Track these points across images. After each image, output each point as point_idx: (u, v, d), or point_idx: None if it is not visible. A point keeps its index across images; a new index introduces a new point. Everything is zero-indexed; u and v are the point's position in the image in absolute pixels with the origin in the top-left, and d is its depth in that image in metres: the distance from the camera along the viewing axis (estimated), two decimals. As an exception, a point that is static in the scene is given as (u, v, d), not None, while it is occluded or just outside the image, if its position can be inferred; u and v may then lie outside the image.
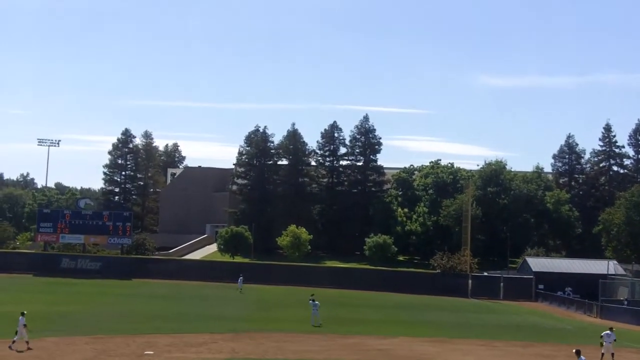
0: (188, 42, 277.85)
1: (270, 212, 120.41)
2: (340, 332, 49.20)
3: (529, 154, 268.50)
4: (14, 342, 37.11)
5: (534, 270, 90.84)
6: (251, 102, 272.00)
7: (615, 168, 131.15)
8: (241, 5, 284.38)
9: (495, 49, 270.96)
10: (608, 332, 41.21)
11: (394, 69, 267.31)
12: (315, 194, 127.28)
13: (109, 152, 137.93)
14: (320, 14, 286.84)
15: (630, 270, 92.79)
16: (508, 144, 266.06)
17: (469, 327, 58.12)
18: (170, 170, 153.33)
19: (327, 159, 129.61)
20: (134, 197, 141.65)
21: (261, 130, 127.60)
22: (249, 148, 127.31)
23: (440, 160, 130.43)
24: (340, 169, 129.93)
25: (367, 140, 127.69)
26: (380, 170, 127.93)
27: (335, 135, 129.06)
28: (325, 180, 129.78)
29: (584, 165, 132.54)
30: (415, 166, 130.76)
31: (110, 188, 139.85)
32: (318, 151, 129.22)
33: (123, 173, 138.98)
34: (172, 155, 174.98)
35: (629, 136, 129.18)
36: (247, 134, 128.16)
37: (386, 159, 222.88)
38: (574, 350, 30.41)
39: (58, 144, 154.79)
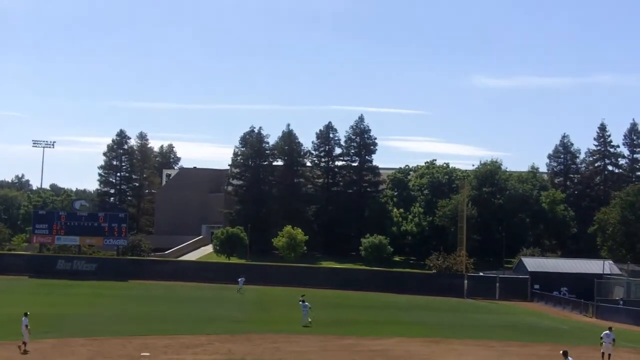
0: (183, 44, 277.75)
1: (266, 212, 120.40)
2: (337, 333, 49.23)
3: (524, 154, 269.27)
4: (24, 343, 37.17)
5: (529, 270, 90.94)
6: (246, 103, 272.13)
7: (610, 168, 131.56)
8: (236, 7, 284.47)
9: (490, 49, 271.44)
10: (607, 332, 41.16)
11: (389, 70, 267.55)
12: (310, 195, 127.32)
13: (104, 154, 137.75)
14: (315, 15, 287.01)
15: (626, 270, 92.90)
16: (503, 144, 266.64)
17: (464, 327, 58.16)
18: (165, 172, 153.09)
19: (323, 159, 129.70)
20: (129, 198, 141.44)
21: (256, 131, 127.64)
22: (244, 149, 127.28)
23: (435, 160, 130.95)
24: (336, 169, 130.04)
25: (363, 140, 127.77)
26: (375, 170, 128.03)
27: (331, 135, 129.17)
28: (321, 180, 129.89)
29: (579, 165, 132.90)
30: (411, 166, 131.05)
31: (105, 189, 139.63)
32: (313, 152, 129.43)
33: (118, 174, 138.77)
34: (167, 156, 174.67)
35: (624, 136, 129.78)
36: (242, 134, 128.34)
37: (381, 160, 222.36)
38: (561, 352, 30.35)
39: (53, 145, 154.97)
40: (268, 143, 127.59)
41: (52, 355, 36.47)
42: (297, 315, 53.59)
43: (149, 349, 38.80)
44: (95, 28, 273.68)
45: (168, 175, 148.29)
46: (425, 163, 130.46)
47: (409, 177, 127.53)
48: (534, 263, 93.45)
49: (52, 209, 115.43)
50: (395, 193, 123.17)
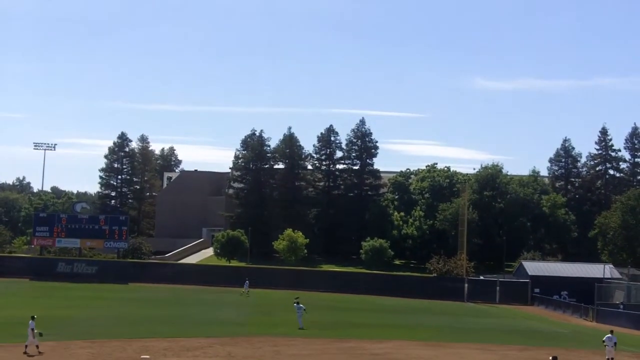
0: (184, 46, 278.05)
1: (267, 216, 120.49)
2: (337, 336, 49.23)
3: (525, 157, 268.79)
4: (37, 346, 37.26)
5: (530, 274, 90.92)
6: (247, 105, 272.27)
7: (611, 172, 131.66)
8: (237, 9, 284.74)
9: (492, 52, 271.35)
10: (609, 335, 41.02)
11: (390, 73, 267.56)
12: (311, 198, 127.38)
13: (105, 156, 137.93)
14: (317, 17, 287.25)
15: (626, 274, 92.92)
16: (504, 147, 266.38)
17: (465, 330, 58.13)
18: (166, 174, 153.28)
19: (324, 162, 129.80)
20: (130, 201, 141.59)
21: (257, 134, 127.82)
22: (245, 152, 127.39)
23: (436, 164, 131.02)
24: (337, 172, 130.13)
25: (364, 144, 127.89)
26: (376, 174, 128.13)
27: (332, 139, 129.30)
28: (322, 184, 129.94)
29: (580, 169, 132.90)
30: (412, 170, 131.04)
31: (106, 192, 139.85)
32: (314, 155, 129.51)
33: (119, 177, 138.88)
34: (168, 159, 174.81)
35: (625, 140, 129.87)
36: (243, 137, 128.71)
37: (382, 163, 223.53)
38: (550, 358, 30.31)
39: (54, 147, 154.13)
40: (269, 146, 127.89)
41: (52, 358, 36.48)
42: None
43: (149, 352, 38.79)
44: (96, 30, 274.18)
45: (169, 178, 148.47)
46: (426, 166, 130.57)
47: (410, 180, 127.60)
48: (535, 267, 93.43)
49: (53, 212, 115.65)
50: (396, 196, 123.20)
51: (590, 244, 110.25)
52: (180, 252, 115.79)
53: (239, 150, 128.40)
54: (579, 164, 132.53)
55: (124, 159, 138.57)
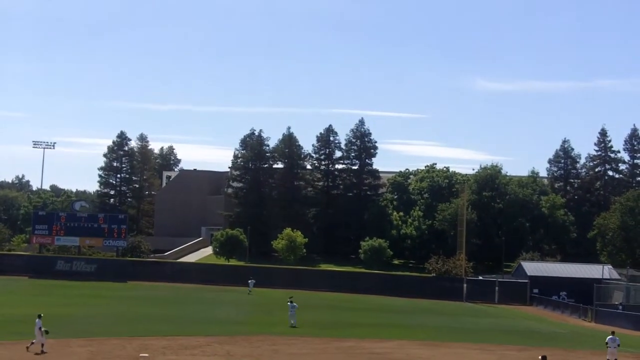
0: (184, 46, 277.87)
1: (266, 215, 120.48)
2: (336, 336, 49.26)
3: (525, 158, 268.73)
4: (42, 345, 37.17)
5: (529, 274, 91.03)
6: (247, 105, 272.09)
7: (610, 173, 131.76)
8: (237, 9, 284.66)
9: (492, 53, 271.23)
10: (612, 336, 40.84)
11: (390, 73, 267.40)
12: (310, 198, 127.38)
13: (105, 155, 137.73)
14: (316, 17, 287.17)
15: (625, 275, 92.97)
16: (504, 148, 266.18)
17: (463, 330, 58.18)
18: (165, 173, 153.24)
19: (323, 162, 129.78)
20: (129, 199, 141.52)
21: (257, 134, 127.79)
22: (244, 151, 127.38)
23: (435, 164, 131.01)
24: (336, 172, 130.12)
25: (363, 144, 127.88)
26: (375, 174, 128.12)
27: (331, 139, 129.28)
28: (321, 183, 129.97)
29: (579, 170, 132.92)
30: (411, 170, 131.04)
31: (105, 190, 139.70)
32: (313, 155, 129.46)
33: (118, 176, 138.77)
34: (168, 158, 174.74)
35: (625, 141, 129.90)
36: (242, 137, 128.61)
37: (381, 163, 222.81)
38: (539, 357, 30.29)
39: (53, 146, 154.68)
40: (268, 146, 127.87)
41: (52, 356, 36.45)
42: (297, 317, 53.59)
43: (147, 350, 38.78)
44: (96, 29, 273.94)
45: (168, 177, 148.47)
46: (425, 167, 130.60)
47: (409, 180, 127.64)
48: (534, 267, 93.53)
49: (52, 210, 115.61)
50: (395, 196, 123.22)
51: (589, 245, 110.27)
52: (179, 250, 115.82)
53: (238, 150, 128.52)
54: (578, 165, 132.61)
55: (123, 158, 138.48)
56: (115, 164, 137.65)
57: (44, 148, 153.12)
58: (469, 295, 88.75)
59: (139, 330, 47.08)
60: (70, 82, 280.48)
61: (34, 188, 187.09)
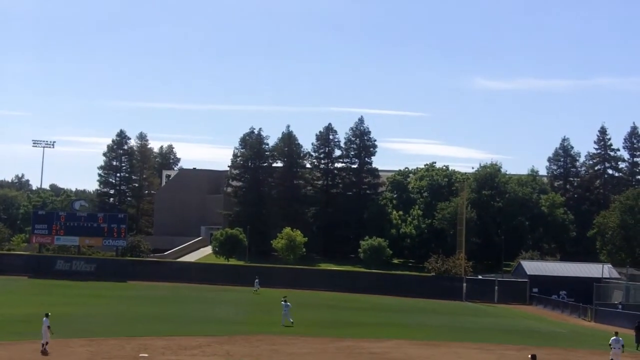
0: (183, 45, 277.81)
1: (265, 214, 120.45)
2: (335, 335, 49.25)
3: (524, 157, 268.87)
4: (47, 343, 37.18)
5: (528, 273, 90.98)
6: (246, 104, 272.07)
7: (610, 171, 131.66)
8: (236, 8, 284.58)
9: (491, 51, 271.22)
10: (615, 337, 40.49)
11: (389, 72, 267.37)
12: (310, 197, 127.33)
13: (104, 154, 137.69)
14: (315, 16, 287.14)
15: (625, 274, 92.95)
16: (503, 146, 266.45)
17: (463, 330, 58.16)
18: (165, 172, 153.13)
19: (322, 161, 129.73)
20: (128, 199, 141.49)
21: (256, 132, 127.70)
22: (243, 150, 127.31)
23: (435, 162, 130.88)
24: (335, 171, 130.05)
25: (362, 142, 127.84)
26: (375, 172, 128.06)
27: (330, 137, 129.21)
28: (320, 182, 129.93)
29: (579, 169, 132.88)
30: (410, 169, 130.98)
31: (105, 190, 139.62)
32: (313, 153, 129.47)
33: (118, 175, 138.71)
34: (167, 157, 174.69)
35: (624, 139, 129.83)
36: (241, 135, 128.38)
37: (381, 162, 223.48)
38: (529, 355, 30.24)
39: (53, 145, 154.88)
40: (268, 144, 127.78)
41: (51, 356, 36.44)
42: (297, 316, 53.63)
43: (147, 350, 38.81)
44: (95, 28, 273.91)
45: (168, 176, 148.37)
46: (424, 165, 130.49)
47: (409, 179, 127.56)
48: (533, 266, 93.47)
49: (51, 209, 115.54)
50: (395, 195, 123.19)
51: (588, 244, 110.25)
52: (179, 250, 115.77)
53: (237, 149, 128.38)
54: (577, 164, 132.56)
55: (123, 157, 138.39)
56: (114, 163, 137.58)
57: (44, 147, 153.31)
58: (468, 295, 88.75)
59: (139, 330, 47.09)
60: (70, 81, 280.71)
61: (34, 187, 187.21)
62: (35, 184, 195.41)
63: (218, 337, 45.16)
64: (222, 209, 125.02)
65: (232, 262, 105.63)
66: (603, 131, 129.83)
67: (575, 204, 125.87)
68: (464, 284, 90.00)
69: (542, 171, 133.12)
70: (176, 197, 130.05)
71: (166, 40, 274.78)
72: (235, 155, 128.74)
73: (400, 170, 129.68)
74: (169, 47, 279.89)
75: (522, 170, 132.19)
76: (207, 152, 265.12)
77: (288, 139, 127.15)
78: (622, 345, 40.35)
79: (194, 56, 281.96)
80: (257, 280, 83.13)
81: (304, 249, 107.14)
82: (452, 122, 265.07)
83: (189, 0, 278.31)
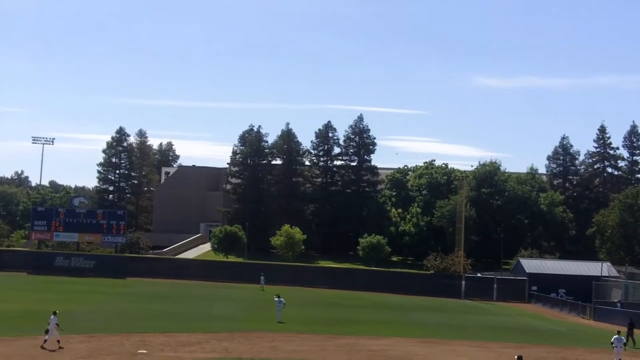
0: (183, 42, 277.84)
1: (264, 211, 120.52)
2: (334, 333, 49.24)
3: (524, 155, 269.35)
4: (45, 341, 37.22)
5: (527, 271, 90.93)
6: (245, 101, 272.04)
7: (609, 170, 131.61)
8: (236, 6, 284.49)
9: (490, 50, 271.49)
10: (617, 336, 40.57)
11: (389, 69, 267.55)
12: (309, 194, 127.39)
13: (103, 151, 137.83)
14: (316, 16, 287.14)
15: (624, 272, 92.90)
16: (502, 145, 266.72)
17: (462, 328, 58.16)
18: (164, 169, 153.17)
19: (321, 158, 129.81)
20: (128, 195, 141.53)
21: (255, 130, 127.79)
22: (243, 147, 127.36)
23: (434, 160, 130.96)
24: (334, 169, 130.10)
25: (361, 140, 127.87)
26: (374, 170, 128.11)
27: (330, 135, 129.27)
28: (319, 180, 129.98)
29: (578, 167, 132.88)
30: (409, 167, 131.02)
31: (104, 186, 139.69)
32: (312, 151, 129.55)
33: (117, 172, 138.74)
34: (166, 154, 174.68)
35: (624, 138, 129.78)
36: (241, 133, 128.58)
37: (380, 159, 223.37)
38: (515, 357, 30.26)
39: (52, 142, 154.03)
40: (267, 142, 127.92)
41: (50, 352, 36.45)
42: (295, 313, 53.65)
43: (146, 347, 38.82)
44: (95, 25, 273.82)
45: (167, 173, 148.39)
46: (424, 163, 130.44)
47: (408, 177, 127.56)
48: (532, 264, 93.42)
49: (51, 206, 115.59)
50: (394, 193, 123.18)
51: (588, 242, 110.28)
52: (178, 247, 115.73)
53: (236, 146, 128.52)
54: (577, 162, 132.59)
55: (122, 154, 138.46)
56: (114, 160, 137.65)
57: (43, 144, 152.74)
58: (467, 293, 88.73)
59: (138, 326, 47.08)
60: (70, 78, 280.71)
61: (33, 184, 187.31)
62: (34, 181, 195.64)
63: (217, 334, 45.15)
64: (221, 206, 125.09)
65: (231, 259, 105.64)
66: (602, 130, 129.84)
67: (574, 202, 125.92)
68: (463, 282, 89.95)
69: (542, 169, 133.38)
70: (175, 194, 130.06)
71: (166, 38, 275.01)
72: (234, 153, 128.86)
73: (399, 168, 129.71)
74: (169, 45, 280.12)
75: (522, 168, 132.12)
76: (207, 149, 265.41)
77: (287, 136, 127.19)
78: (624, 344, 40.45)
79: (193, 53, 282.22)
80: (262, 278, 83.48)
81: (303, 247, 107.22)
82: (451, 120, 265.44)
83: (189, 0, 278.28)
